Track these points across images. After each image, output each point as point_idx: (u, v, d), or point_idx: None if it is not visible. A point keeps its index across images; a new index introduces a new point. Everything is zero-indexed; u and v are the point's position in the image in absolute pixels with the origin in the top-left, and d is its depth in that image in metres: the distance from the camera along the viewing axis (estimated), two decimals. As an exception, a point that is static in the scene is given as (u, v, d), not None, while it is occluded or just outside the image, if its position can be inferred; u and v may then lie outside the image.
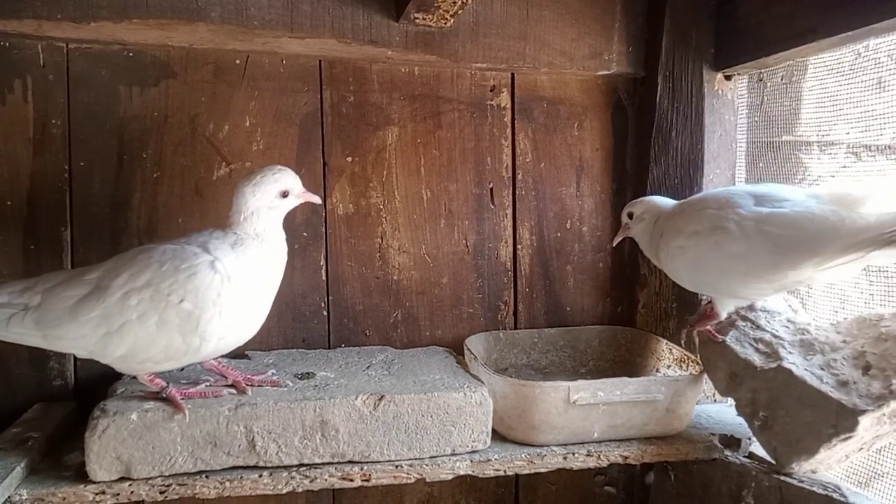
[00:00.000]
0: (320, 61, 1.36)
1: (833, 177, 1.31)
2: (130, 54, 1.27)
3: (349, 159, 1.39)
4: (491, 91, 1.46)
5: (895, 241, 0.95)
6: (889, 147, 1.23)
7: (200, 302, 0.97)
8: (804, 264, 1.02)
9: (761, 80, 1.40)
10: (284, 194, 1.07)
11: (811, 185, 1.31)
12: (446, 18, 1.29)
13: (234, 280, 0.99)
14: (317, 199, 1.12)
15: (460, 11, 1.26)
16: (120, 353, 0.97)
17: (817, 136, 1.32)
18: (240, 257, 1.02)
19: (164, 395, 1.01)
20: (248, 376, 1.10)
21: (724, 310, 1.18)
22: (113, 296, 0.96)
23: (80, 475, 0.98)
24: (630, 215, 1.30)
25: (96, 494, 0.96)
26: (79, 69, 1.25)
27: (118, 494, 0.97)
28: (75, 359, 1.25)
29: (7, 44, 1.21)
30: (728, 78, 1.42)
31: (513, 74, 1.46)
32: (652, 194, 1.44)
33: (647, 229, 1.26)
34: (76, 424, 1.14)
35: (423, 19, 1.29)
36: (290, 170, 1.09)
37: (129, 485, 0.97)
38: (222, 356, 1.12)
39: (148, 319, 0.96)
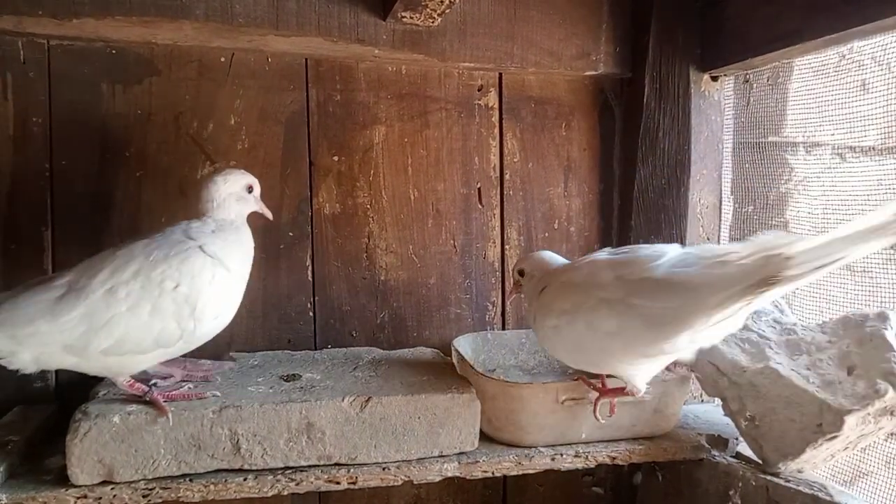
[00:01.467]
0: (306, 59, 1.35)
1: (818, 177, 1.32)
2: (113, 51, 1.25)
3: (336, 158, 1.38)
4: (478, 90, 1.46)
5: (763, 288, 0.85)
6: (873, 148, 1.24)
7: (196, 285, 0.99)
8: (676, 336, 0.94)
9: (747, 82, 1.41)
10: (250, 189, 1.14)
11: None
12: (434, 17, 1.28)
13: (224, 262, 1.03)
14: (269, 215, 1.18)
15: (448, 11, 1.26)
16: (105, 346, 0.96)
17: (803, 136, 1.33)
18: (223, 241, 1.06)
19: (148, 399, 1.00)
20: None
21: (641, 383, 1.07)
22: (95, 293, 0.96)
23: (62, 479, 0.96)
24: (521, 272, 1.19)
25: (78, 498, 0.94)
26: (60, 66, 1.23)
27: (100, 498, 0.95)
28: (56, 361, 1.23)
29: (-14, 40, 1.19)
30: (714, 79, 1.42)
31: (500, 74, 1.46)
32: (640, 194, 1.45)
33: (536, 289, 1.14)
34: (57, 427, 1.12)
35: (411, 18, 1.28)
36: None
37: (112, 488, 0.95)
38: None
39: (140, 309, 0.96)
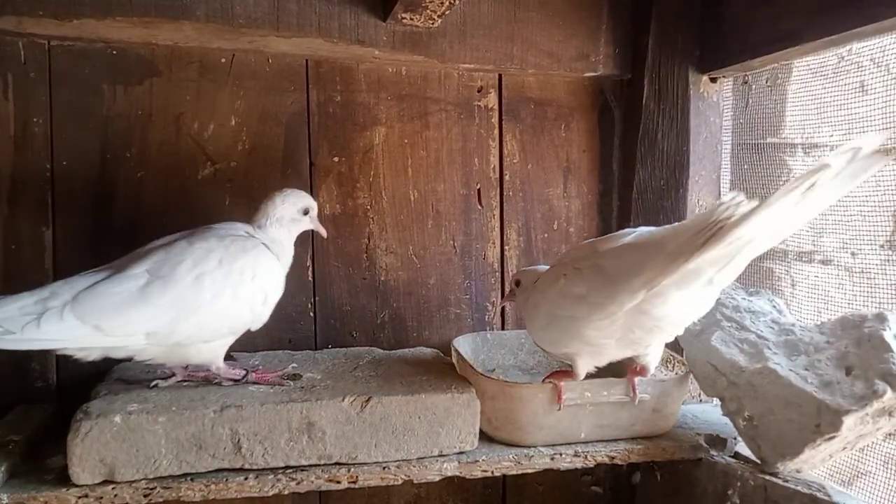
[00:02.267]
0: (307, 60, 1.36)
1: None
2: (114, 52, 1.26)
3: (336, 159, 1.39)
4: (478, 92, 1.46)
5: (708, 242, 0.89)
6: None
7: (267, 277, 1.11)
8: (634, 284, 0.96)
9: (746, 83, 1.41)
10: (306, 211, 1.19)
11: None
12: (434, 19, 1.29)
13: (280, 261, 1.15)
14: (324, 233, 1.24)
15: (448, 12, 1.26)
16: (189, 332, 1.03)
17: (801, 138, 1.34)
18: (276, 245, 1.15)
19: (249, 380, 1.11)
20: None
21: (583, 370, 1.12)
22: (184, 280, 1.02)
23: (63, 478, 0.96)
24: (517, 283, 1.23)
25: (79, 498, 0.95)
26: (61, 67, 1.23)
27: (101, 498, 0.95)
28: (57, 360, 1.23)
29: (-13, 40, 1.19)
30: (713, 80, 1.43)
31: (500, 75, 1.46)
32: (639, 195, 1.45)
33: (529, 293, 1.19)
34: (58, 427, 1.12)
35: (411, 19, 1.28)
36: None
37: (113, 488, 0.96)
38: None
39: (223, 297, 1.05)
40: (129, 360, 1.07)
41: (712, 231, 0.89)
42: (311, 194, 1.36)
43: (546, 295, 1.12)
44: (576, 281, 1.06)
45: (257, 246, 1.11)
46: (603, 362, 1.11)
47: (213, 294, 1.04)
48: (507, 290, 1.47)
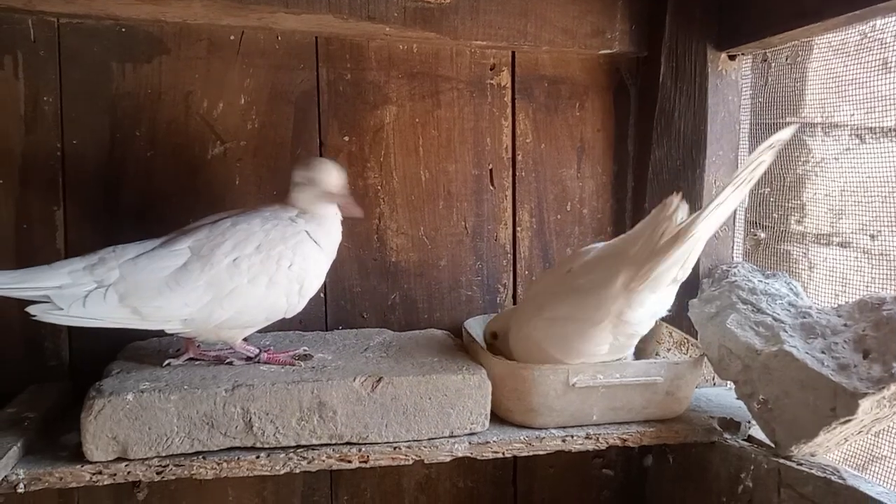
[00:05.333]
0: (316, 38, 1.34)
1: (836, 159, 1.29)
2: (123, 30, 1.25)
3: (346, 139, 1.37)
4: (491, 70, 1.44)
5: (674, 243, 1.00)
6: (893, 130, 1.22)
7: (305, 266, 1.09)
8: (611, 291, 1.05)
9: (766, 61, 1.38)
10: (311, 181, 1.14)
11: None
12: (446, -6, 1.26)
13: (323, 249, 1.13)
14: (357, 212, 1.19)
15: (460, -13, 1.24)
16: (225, 318, 1.03)
17: (821, 117, 1.31)
18: (321, 231, 1.13)
19: (259, 360, 1.10)
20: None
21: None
22: (220, 263, 1.02)
23: (77, 455, 0.97)
24: (494, 335, 1.24)
25: (93, 475, 0.96)
26: (70, 45, 1.22)
27: (115, 475, 0.96)
28: (70, 339, 1.24)
29: (-4, 18, 1.19)
30: (732, 58, 1.39)
31: (513, 53, 1.44)
32: (654, 176, 1.43)
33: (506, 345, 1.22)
34: (72, 405, 1.13)
35: (423, -5, 1.26)
36: (336, 166, 1.16)
37: (126, 465, 0.96)
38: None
39: (259, 283, 1.04)
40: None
41: (672, 233, 1.00)
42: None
43: (531, 325, 1.15)
44: (556, 305, 1.12)
45: (299, 233, 1.09)
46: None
47: (249, 280, 1.03)
48: (521, 267, 1.46)
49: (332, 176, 1.13)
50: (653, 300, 1.07)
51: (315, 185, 1.12)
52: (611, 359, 1.13)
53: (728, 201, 0.99)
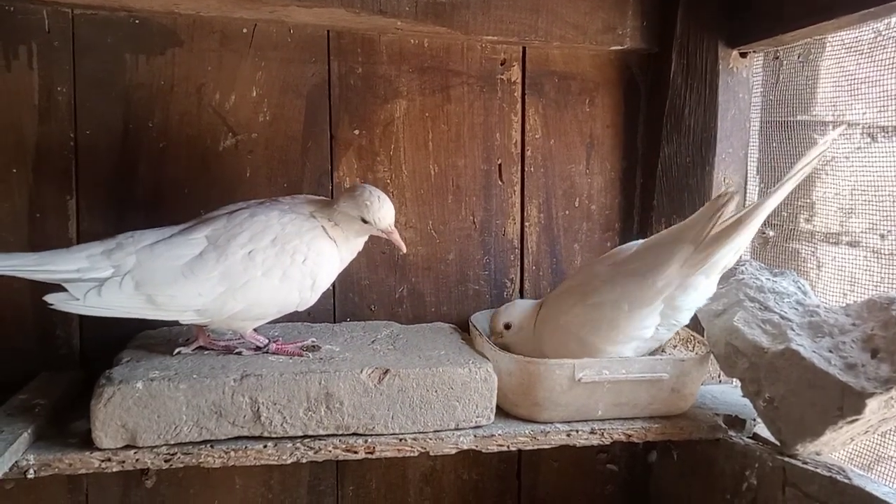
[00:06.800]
0: (328, 31, 1.34)
1: (848, 158, 1.28)
2: (136, 21, 1.26)
3: (356, 132, 1.38)
4: (501, 65, 1.44)
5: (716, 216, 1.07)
6: (905, 129, 1.21)
7: (319, 261, 1.08)
8: (670, 268, 1.10)
9: (777, 58, 1.37)
10: (363, 220, 1.10)
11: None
12: (457, -11, 1.27)
13: (339, 247, 1.12)
14: (402, 247, 1.15)
15: (472, -18, 1.24)
16: (238, 309, 1.03)
17: (833, 116, 1.30)
18: (336, 231, 1.12)
19: (268, 350, 1.11)
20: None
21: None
22: (235, 255, 1.02)
23: (87, 442, 0.98)
24: (507, 326, 1.23)
25: (102, 461, 0.97)
26: (84, 36, 1.23)
27: (123, 462, 0.97)
28: (81, 328, 1.26)
29: (12, 8, 1.19)
30: (743, 55, 1.39)
31: (524, 48, 1.44)
32: (663, 173, 1.43)
33: (528, 326, 1.22)
34: (82, 392, 1.15)
35: (434, -11, 1.26)
36: (391, 206, 1.12)
37: (135, 453, 0.98)
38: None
39: (272, 276, 1.04)
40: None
41: (731, 221, 1.08)
42: (332, 167, 1.36)
43: (572, 313, 1.17)
44: (605, 290, 1.14)
45: (315, 228, 1.09)
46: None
47: (263, 272, 1.03)
48: (528, 262, 1.46)
49: (387, 217, 1.10)
50: (704, 286, 1.12)
51: (366, 223, 1.09)
52: (647, 349, 1.17)
53: (780, 197, 1.08)
